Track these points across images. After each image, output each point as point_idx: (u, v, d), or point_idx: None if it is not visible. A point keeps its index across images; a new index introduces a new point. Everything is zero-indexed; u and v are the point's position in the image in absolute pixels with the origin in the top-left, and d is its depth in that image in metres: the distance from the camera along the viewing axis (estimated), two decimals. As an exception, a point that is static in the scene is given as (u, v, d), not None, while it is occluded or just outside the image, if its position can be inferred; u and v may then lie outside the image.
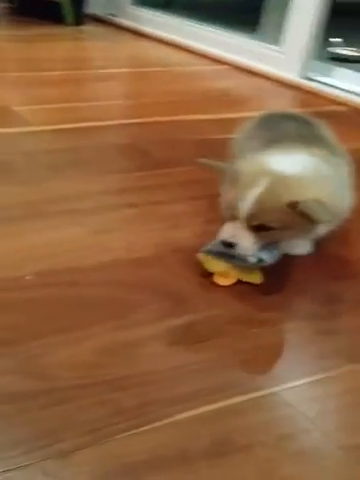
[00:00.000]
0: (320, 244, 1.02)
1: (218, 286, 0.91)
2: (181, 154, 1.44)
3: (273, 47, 2.23)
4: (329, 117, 1.86)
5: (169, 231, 1.07)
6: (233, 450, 0.63)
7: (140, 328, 0.81)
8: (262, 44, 2.29)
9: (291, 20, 2.11)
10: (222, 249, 0.90)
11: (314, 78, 2.13)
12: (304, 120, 1.10)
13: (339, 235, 1.05)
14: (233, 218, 0.89)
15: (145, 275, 0.93)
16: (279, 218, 0.85)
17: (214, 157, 1.39)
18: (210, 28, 2.53)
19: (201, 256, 0.94)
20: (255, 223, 0.87)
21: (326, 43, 2.87)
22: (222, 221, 1.07)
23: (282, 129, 1.05)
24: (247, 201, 0.86)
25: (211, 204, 1.17)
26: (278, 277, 0.96)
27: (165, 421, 0.66)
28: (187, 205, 1.18)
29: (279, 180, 0.86)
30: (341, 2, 3.27)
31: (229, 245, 0.88)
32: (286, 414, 0.68)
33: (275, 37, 2.21)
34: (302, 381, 0.74)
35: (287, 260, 0.99)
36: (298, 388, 0.73)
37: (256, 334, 0.82)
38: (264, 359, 0.77)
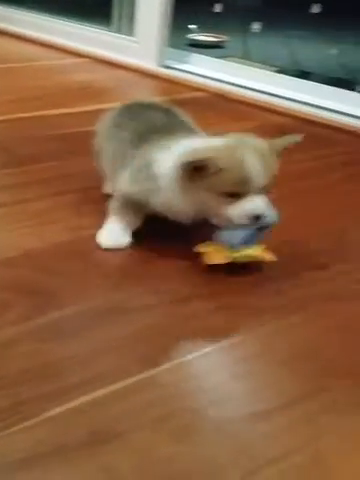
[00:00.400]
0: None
1: (89, 281, 0.91)
2: (44, 150, 1.41)
3: (128, 38, 2.24)
4: (190, 104, 1.93)
5: (39, 228, 1.06)
6: (110, 438, 0.64)
7: (10, 328, 0.79)
8: (117, 35, 2.30)
9: (140, 10, 2.14)
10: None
11: (172, 66, 2.17)
12: (164, 109, 1.12)
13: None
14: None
15: (13, 275, 0.91)
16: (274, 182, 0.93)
17: (75, 150, 1.40)
18: (67, 22, 2.50)
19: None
20: (270, 190, 0.92)
21: (186, 30, 2.95)
22: (92, 215, 1.08)
23: (148, 119, 1.07)
24: (261, 171, 0.90)
25: (78, 199, 1.17)
26: (147, 263, 0.98)
27: (41, 417, 0.65)
28: (54, 201, 1.16)
29: (261, 149, 0.92)
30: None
31: (257, 218, 0.91)
32: (161, 395, 0.70)
33: (129, 28, 2.23)
34: (176, 361, 0.76)
35: (153, 247, 1.01)
36: (172, 369, 0.74)
37: (128, 321, 0.83)
38: (137, 345, 0.78)
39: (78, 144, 1.43)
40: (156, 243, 1.02)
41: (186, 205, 0.95)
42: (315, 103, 1.82)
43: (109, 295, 0.89)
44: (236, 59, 2.59)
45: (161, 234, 1.03)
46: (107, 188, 1.16)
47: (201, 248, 0.97)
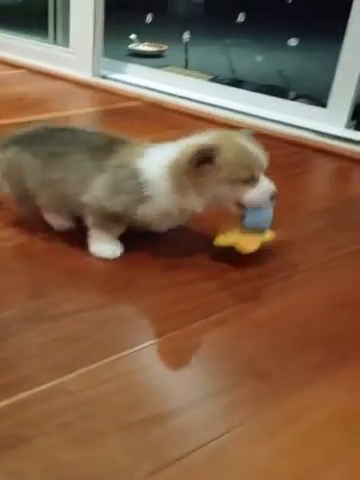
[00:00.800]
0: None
1: (10, 288, 0.92)
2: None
3: (64, 49, 2.25)
4: (124, 113, 1.95)
5: None
6: (18, 443, 0.64)
7: None
8: (53, 46, 2.30)
9: (74, 22, 2.15)
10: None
11: (108, 76, 2.19)
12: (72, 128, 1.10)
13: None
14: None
15: None
16: None
17: None
18: (4, 33, 2.49)
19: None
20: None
21: (127, 40, 2.97)
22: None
23: (85, 136, 1.05)
24: (263, 154, 0.97)
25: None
26: (64, 271, 0.99)
27: None
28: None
29: (246, 137, 0.99)
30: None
31: (274, 196, 0.98)
32: (66, 402, 0.71)
33: (65, 39, 2.24)
34: (84, 369, 0.77)
35: (71, 252, 1.03)
36: (80, 376, 0.75)
37: (48, 329, 0.84)
38: (51, 352, 0.79)
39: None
40: (82, 253, 1.03)
41: (193, 203, 0.97)
42: (246, 111, 1.86)
43: (28, 304, 0.89)
44: (174, 68, 2.64)
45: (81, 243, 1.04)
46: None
47: (224, 241, 1.02)
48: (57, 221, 1.10)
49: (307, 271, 1.04)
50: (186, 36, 2.49)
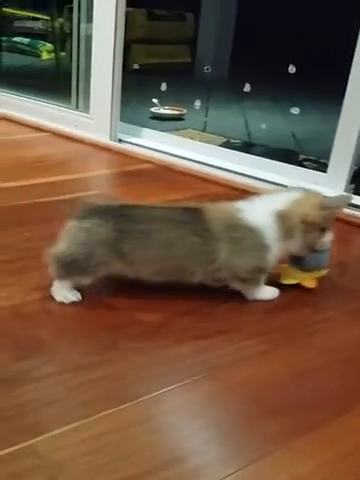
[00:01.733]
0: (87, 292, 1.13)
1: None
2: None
3: (84, 114, 2.39)
4: (137, 175, 2.04)
5: None
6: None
7: None
8: (74, 111, 2.44)
9: (94, 90, 2.29)
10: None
11: (124, 139, 2.30)
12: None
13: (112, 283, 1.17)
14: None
15: None
16: None
17: (22, 221, 1.48)
18: (25, 97, 2.65)
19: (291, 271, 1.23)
20: None
21: (150, 104, 3.11)
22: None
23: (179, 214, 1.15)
24: None
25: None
26: (39, 329, 1.04)
27: None
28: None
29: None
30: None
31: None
32: (35, 464, 0.74)
33: (85, 104, 2.38)
34: (56, 432, 0.80)
35: (46, 310, 1.08)
36: (51, 438, 0.78)
37: (21, 392, 0.87)
38: (23, 415, 0.82)
39: (23, 214, 1.52)
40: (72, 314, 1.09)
41: (294, 247, 1.16)
42: (252, 174, 1.93)
43: (11, 365, 0.94)
44: (191, 131, 2.74)
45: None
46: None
47: (291, 281, 1.22)
48: (71, 295, 1.14)
49: (277, 339, 1.07)
50: (197, 104, 2.60)
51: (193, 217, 1.12)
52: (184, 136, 2.51)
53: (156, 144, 2.24)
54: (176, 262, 1.12)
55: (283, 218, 1.12)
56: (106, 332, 1.05)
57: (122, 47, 2.19)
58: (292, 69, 2.01)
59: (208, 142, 2.39)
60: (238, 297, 1.17)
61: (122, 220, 1.11)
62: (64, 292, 1.13)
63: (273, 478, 0.76)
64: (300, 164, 2.09)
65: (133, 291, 1.16)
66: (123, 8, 2.14)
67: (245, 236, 1.11)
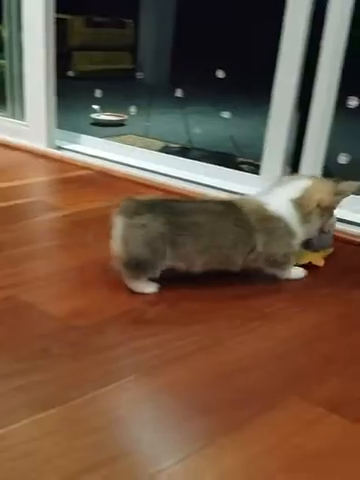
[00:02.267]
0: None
1: None
2: None
3: (19, 122, 2.36)
4: (75, 181, 2.03)
5: None
6: None
7: None
8: (10, 119, 2.42)
9: (28, 96, 2.27)
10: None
11: (63, 146, 2.29)
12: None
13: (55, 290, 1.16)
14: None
15: None
16: None
17: None
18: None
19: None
20: None
21: (90, 110, 3.10)
22: None
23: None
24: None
25: None
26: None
27: None
28: None
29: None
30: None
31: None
32: None
33: (22, 112, 2.35)
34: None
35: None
36: None
37: None
38: None
39: None
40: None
41: (312, 232, 1.27)
42: (188, 178, 1.95)
43: None
44: (132, 135, 2.75)
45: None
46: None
47: (300, 260, 1.32)
48: (149, 287, 1.20)
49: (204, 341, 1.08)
50: (133, 110, 2.62)
51: (230, 209, 1.20)
52: (125, 141, 2.51)
53: (95, 151, 2.24)
54: (224, 251, 1.19)
55: (301, 205, 1.22)
56: (38, 339, 1.04)
57: (55, 54, 2.19)
58: (222, 74, 2.05)
59: (149, 147, 2.40)
60: (167, 301, 1.18)
61: (170, 214, 1.15)
62: (142, 287, 1.19)
63: (202, 473, 0.76)
64: (237, 167, 2.12)
65: (65, 298, 1.16)
66: (51, 14, 2.13)
67: (276, 226, 1.21)
